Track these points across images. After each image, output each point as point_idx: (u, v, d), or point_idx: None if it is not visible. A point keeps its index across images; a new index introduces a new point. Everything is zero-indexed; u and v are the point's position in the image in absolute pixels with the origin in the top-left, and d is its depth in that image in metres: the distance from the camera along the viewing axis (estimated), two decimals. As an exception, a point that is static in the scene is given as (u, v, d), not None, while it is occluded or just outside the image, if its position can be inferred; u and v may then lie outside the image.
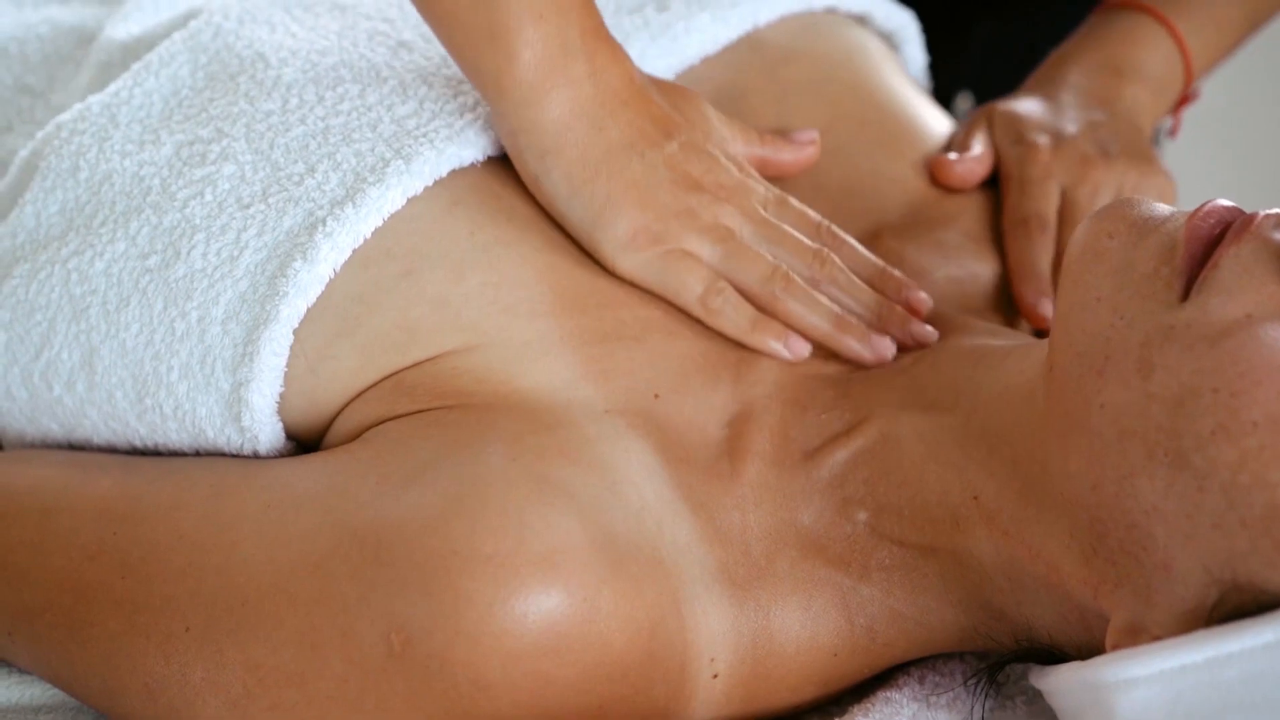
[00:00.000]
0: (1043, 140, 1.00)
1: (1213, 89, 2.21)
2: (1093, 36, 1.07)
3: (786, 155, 0.94)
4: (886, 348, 0.87)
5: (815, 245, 0.89)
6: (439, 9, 0.84)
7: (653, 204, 0.86)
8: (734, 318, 0.86)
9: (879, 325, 0.88)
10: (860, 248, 0.91)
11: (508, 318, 0.83)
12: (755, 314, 0.87)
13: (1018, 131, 1.01)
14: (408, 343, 0.83)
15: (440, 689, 0.75)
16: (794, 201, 0.90)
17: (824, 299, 0.88)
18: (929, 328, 0.88)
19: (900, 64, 1.08)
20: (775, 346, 0.86)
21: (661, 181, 0.86)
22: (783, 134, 0.94)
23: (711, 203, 0.87)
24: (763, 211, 0.89)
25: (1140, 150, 1.01)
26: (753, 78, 0.99)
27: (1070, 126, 1.01)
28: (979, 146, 1.00)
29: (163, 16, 1.02)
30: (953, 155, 0.99)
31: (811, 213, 0.90)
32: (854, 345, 0.87)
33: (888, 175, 0.98)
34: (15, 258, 0.89)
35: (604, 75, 0.86)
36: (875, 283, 0.90)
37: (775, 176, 0.94)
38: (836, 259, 0.89)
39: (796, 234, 0.89)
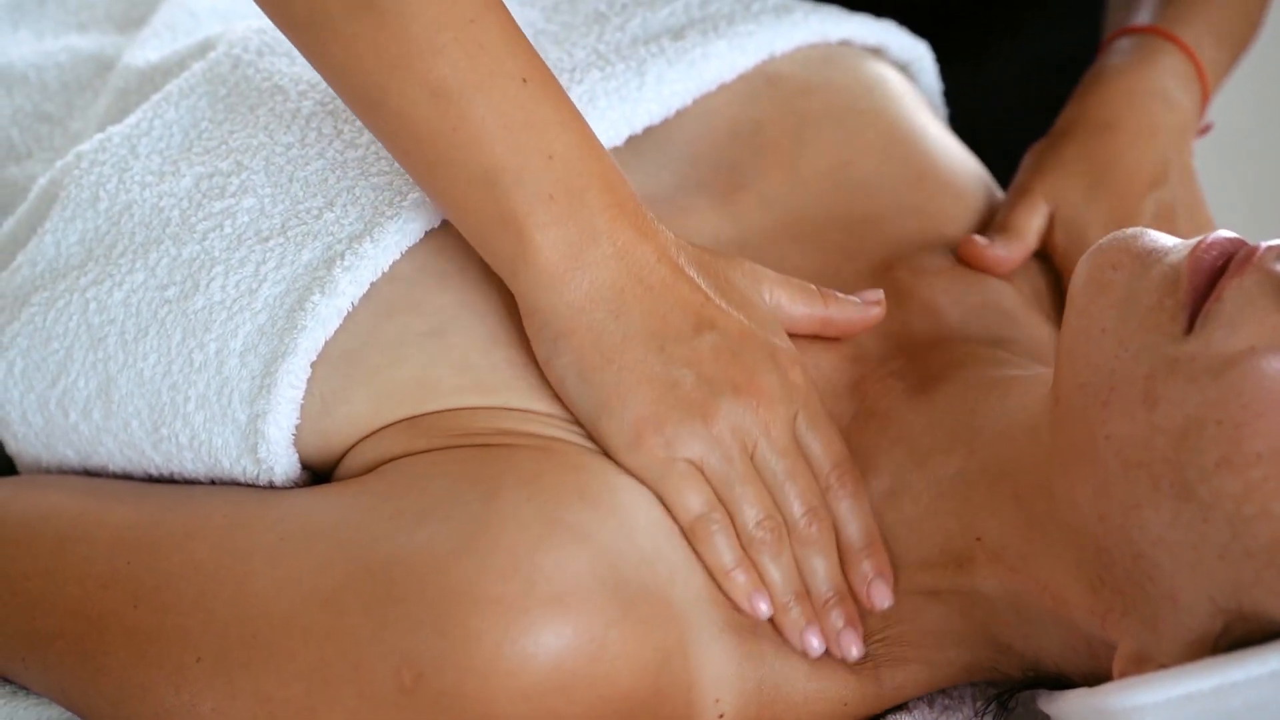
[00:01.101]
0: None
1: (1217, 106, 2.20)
2: (1134, 65, 1.04)
3: (852, 314, 0.88)
4: (815, 648, 0.81)
5: (816, 503, 0.82)
6: (448, 198, 0.81)
7: (665, 401, 0.80)
8: (718, 553, 0.81)
9: (823, 612, 0.83)
10: (864, 506, 0.84)
11: (534, 393, 0.82)
12: (740, 556, 0.81)
13: (1080, 233, 0.98)
14: (424, 397, 0.82)
15: None
16: (824, 423, 0.84)
17: (795, 570, 0.82)
18: (856, 642, 0.82)
19: (920, 95, 1.07)
20: (747, 605, 0.81)
21: (681, 380, 0.81)
22: (845, 296, 0.88)
23: (732, 408, 0.81)
24: (788, 430, 0.83)
25: (1200, 212, 1.01)
26: (769, 110, 0.98)
27: (1136, 216, 0.99)
28: (1024, 242, 0.97)
29: (180, 44, 1.02)
30: (981, 240, 0.95)
31: (837, 441, 0.84)
32: (793, 629, 0.82)
33: (908, 206, 0.97)
34: (34, 286, 0.89)
35: (630, 256, 0.81)
36: (857, 554, 0.83)
37: (838, 336, 0.89)
38: (828, 531, 0.83)
39: (809, 475, 0.83)
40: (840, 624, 0.82)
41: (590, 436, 0.82)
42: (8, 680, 0.88)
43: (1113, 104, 1.02)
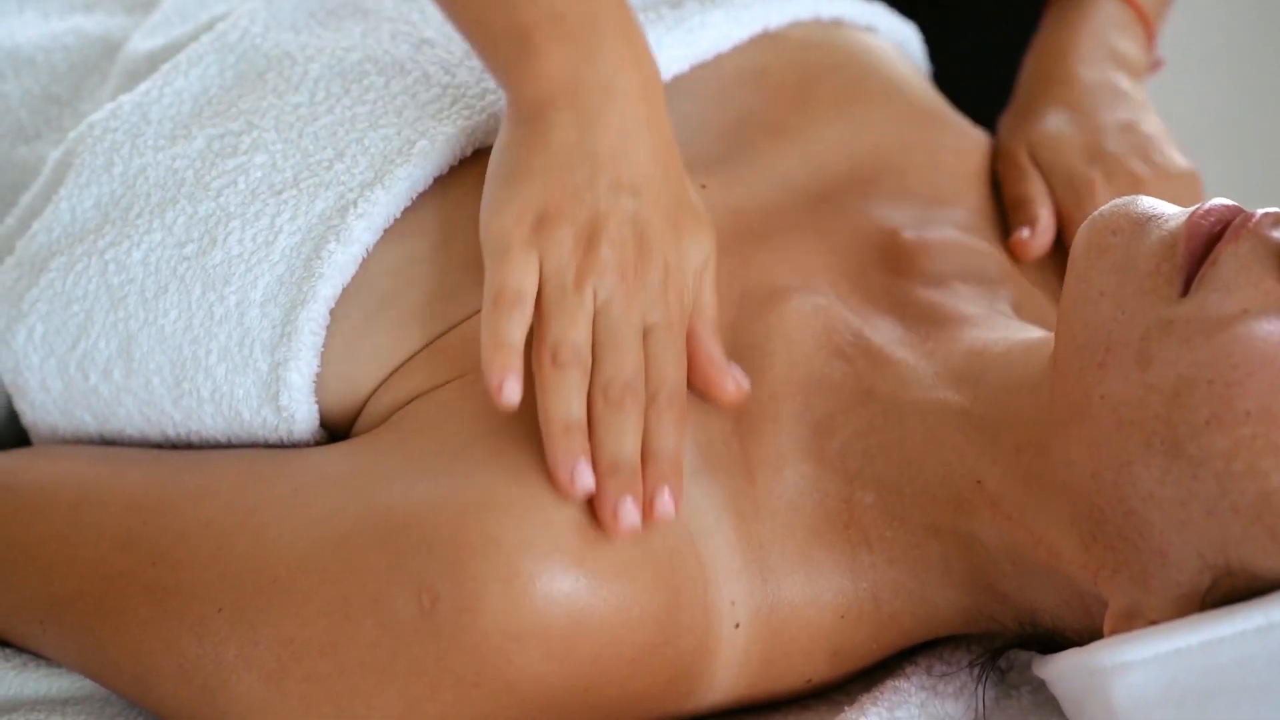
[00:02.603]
0: (1094, 174, 1.00)
1: (1214, 90, 2.22)
2: (1075, 23, 1.08)
3: (714, 373, 0.83)
4: (579, 481, 0.78)
5: (634, 383, 0.79)
6: (466, 15, 0.84)
7: (559, 207, 0.80)
8: (504, 327, 0.78)
9: (607, 472, 0.78)
10: (678, 434, 0.80)
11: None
12: (518, 346, 0.78)
13: (1067, 171, 1.01)
14: (444, 309, 0.84)
15: (471, 643, 0.76)
16: (676, 352, 0.81)
17: (579, 403, 0.79)
18: (633, 513, 0.78)
19: (911, 60, 1.09)
20: (499, 378, 0.77)
21: (589, 204, 0.80)
22: (727, 367, 0.84)
23: (607, 262, 0.80)
24: (638, 321, 0.80)
25: (1169, 148, 1.03)
26: (773, 60, 0.99)
27: (1111, 145, 1.01)
28: (1044, 211, 0.99)
29: (188, 27, 1.03)
30: (1025, 233, 0.98)
31: (677, 372, 0.81)
32: (576, 470, 0.78)
33: (914, 163, 0.98)
34: (51, 252, 0.90)
35: (620, 96, 0.82)
36: (656, 461, 0.79)
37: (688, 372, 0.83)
38: (635, 411, 0.79)
39: (640, 360, 0.80)
40: (627, 489, 0.78)
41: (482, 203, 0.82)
42: (20, 650, 0.89)
43: (1066, 66, 1.05)
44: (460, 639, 0.76)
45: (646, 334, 0.81)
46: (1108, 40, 1.06)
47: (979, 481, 0.81)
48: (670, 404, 0.80)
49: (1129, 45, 1.07)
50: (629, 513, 0.77)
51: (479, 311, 0.81)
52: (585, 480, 0.77)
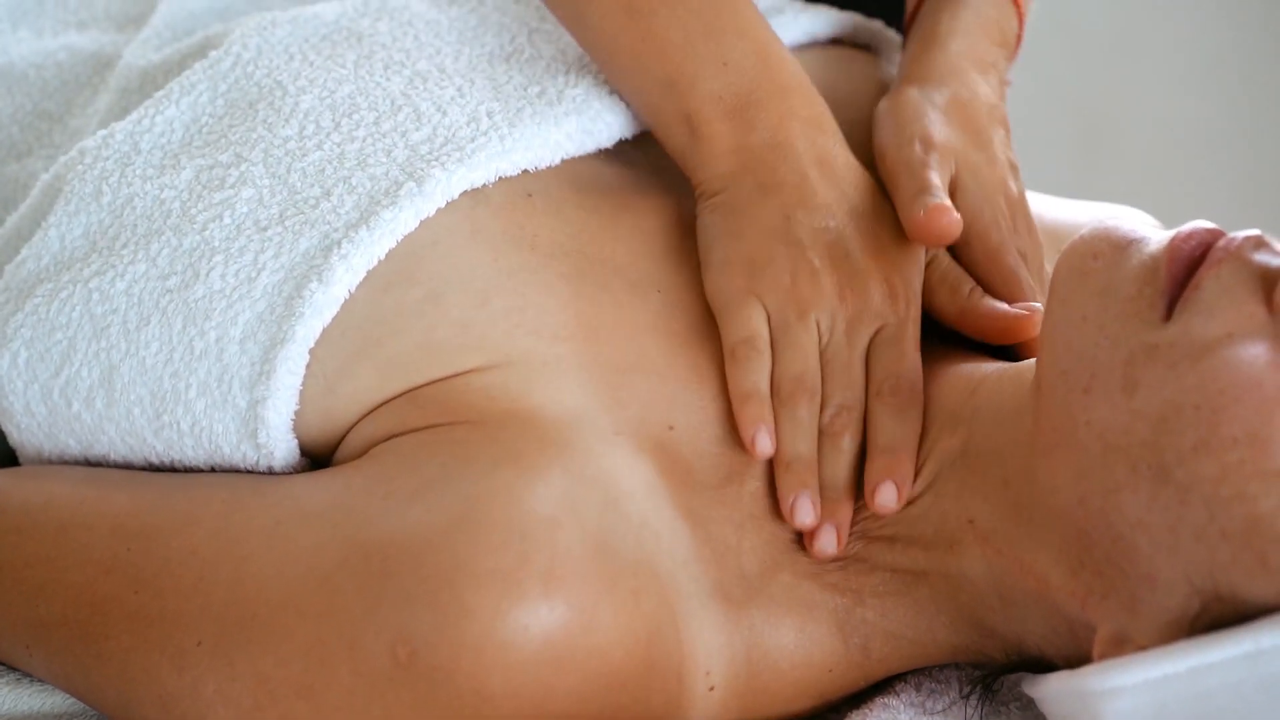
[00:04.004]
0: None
1: (1206, 105, 2.22)
2: (965, 18, 1.01)
3: (1003, 317, 0.89)
4: (802, 515, 0.83)
5: (854, 405, 0.85)
6: (639, 100, 0.92)
7: (772, 250, 0.87)
8: (745, 375, 0.85)
9: (829, 506, 0.84)
10: (910, 419, 0.85)
11: (531, 340, 0.84)
12: (763, 393, 0.84)
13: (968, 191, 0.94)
14: (429, 362, 0.84)
15: (445, 699, 0.77)
16: (908, 345, 0.86)
17: (812, 437, 0.84)
18: (834, 542, 0.84)
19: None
20: (750, 433, 0.83)
21: (794, 242, 0.87)
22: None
23: (823, 290, 0.86)
24: (863, 339, 0.86)
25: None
26: None
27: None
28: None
29: (181, 43, 1.03)
30: (932, 204, 0.88)
31: (910, 361, 0.86)
32: (788, 488, 0.84)
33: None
34: (39, 279, 0.90)
35: (789, 148, 0.90)
36: (880, 453, 0.84)
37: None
38: (855, 435, 0.85)
39: (861, 381, 0.85)
40: (829, 518, 0.84)
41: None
42: (12, 669, 0.89)
43: (958, 60, 0.98)
44: (434, 695, 0.77)
45: (874, 340, 0.86)
46: (983, 45, 1.00)
47: (971, 520, 0.82)
48: (895, 393, 0.85)
49: (1004, 17, 1.02)
50: (827, 543, 0.83)
51: (467, 373, 0.84)
52: (805, 514, 0.84)
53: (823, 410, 0.85)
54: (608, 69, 0.93)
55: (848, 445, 0.85)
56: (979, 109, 0.96)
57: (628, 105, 0.94)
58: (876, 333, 0.86)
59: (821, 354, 0.86)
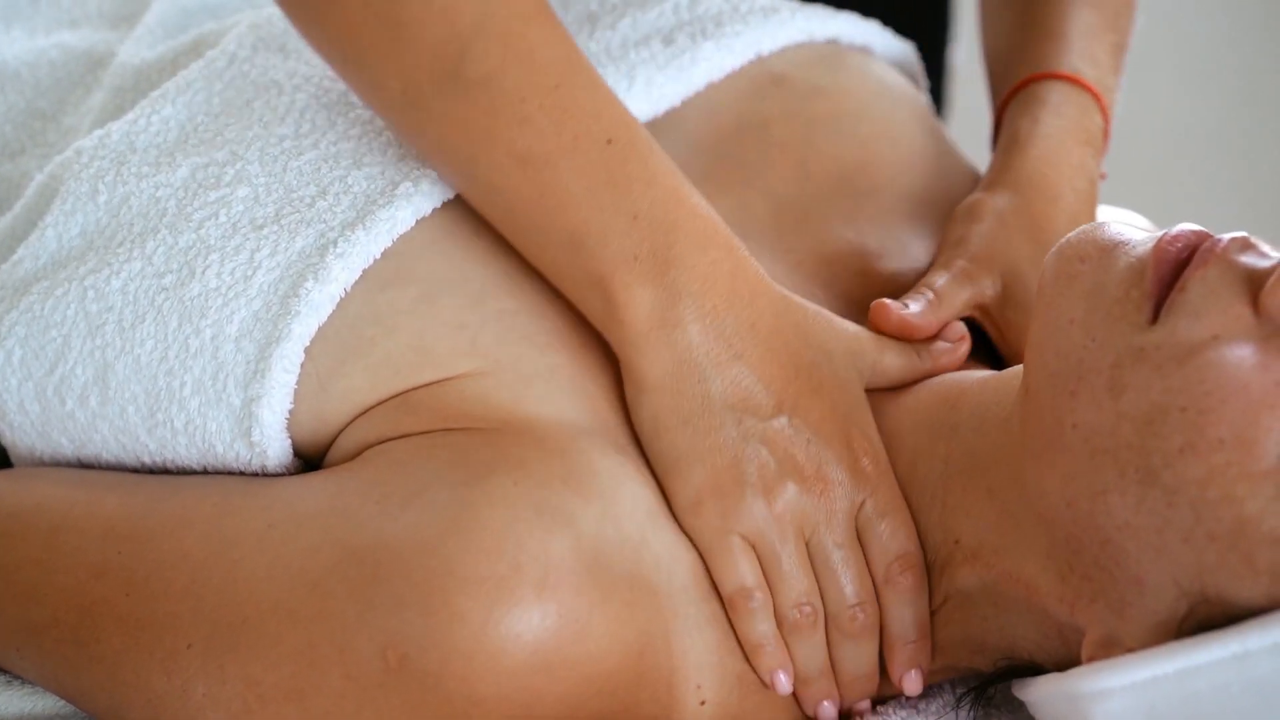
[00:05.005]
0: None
1: (1206, 105, 2.22)
2: (1048, 121, 0.99)
3: (945, 361, 0.88)
4: (827, 718, 0.84)
5: (865, 596, 0.83)
6: (542, 260, 0.83)
7: (730, 473, 0.82)
8: (751, 627, 0.82)
9: (847, 688, 0.84)
10: (919, 600, 0.84)
11: (524, 346, 0.84)
12: (772, 634, 0.82)
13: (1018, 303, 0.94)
14: (421, 364, 0.83)
15: (435, 704, 0.77)
16: (895, 512, 0.84)
17: (824, 652, 0.84)
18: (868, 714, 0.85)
19: (921, 102, 1.07)
20: (768, 679, 0.83)
21: (751, 456, 0.82)
22: (939, 345, 0.88)
23: (795, 493, 0.82)
24: (849, 521, 0.83)
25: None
26: (776, 110, 0.98)
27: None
28: (946, 311, 0.90)
29: (174, 41, 1.03)
30: (894, 305, 0.88)
31: (904, 531, 0.83)
32: (810, 701, 0.84)
33: (915, 224, 0.97)
34: (36, 278, 0.90)
35: (718, 322, 0.82)
36: (901, 644, 0.84)
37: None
38: (872, 623, 0.83)
39: (862, 566, 0.83)
40: (861, 704, 0.85)
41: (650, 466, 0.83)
42: (2, 671, 0.89)
43: (1038, 165, 0.98)
44: (425, 700, 0.77)
45: (860, 518, 0.83)
46: (1078, 151, 0.99)
47: (956, 541, 0.82)
48: (904, 574, 0.83)
49: (1097, 126, 1.01)
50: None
51: (460, 378, 0.83)
52: (829, 715, 0.84)
53: (833, 612, 0.83)
54: (505, 227, 0.84)
55: (863, 641, 0.83)
56: (1056, 218, 0.95)
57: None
58: (859, 509, 0.83)
59: (813, 561, 0.83)
